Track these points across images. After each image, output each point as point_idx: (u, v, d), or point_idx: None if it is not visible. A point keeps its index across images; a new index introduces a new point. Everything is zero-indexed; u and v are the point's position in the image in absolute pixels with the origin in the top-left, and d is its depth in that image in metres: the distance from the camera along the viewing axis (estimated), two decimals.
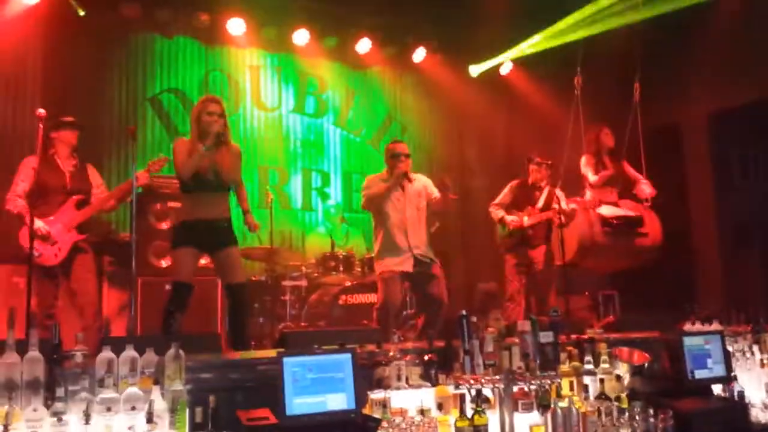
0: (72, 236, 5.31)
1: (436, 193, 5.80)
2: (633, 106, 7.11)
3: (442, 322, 5.44)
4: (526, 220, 6.40)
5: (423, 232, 5.74)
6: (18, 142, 6.59)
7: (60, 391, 2.80)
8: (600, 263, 7.08)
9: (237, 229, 5.10)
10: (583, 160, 6.89)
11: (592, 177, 6.78)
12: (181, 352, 3.03)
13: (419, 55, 9.01)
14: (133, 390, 2.90)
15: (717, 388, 3.83)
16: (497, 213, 6.51)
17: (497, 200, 6.57)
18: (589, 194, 6.80)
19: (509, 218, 6.42)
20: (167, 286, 6.25)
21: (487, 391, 3.30)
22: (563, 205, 6.26)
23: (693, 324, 4.53)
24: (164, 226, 6.59)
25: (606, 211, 6.68)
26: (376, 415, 3.04)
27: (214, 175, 4.85)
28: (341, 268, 7.06)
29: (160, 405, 2.84)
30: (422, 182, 5.86)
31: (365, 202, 5.84)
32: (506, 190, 6.60)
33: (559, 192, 6.42)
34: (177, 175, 4.95)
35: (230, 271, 4.95)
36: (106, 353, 3.03)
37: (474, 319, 3.58)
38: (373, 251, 5.94)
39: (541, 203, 6.45)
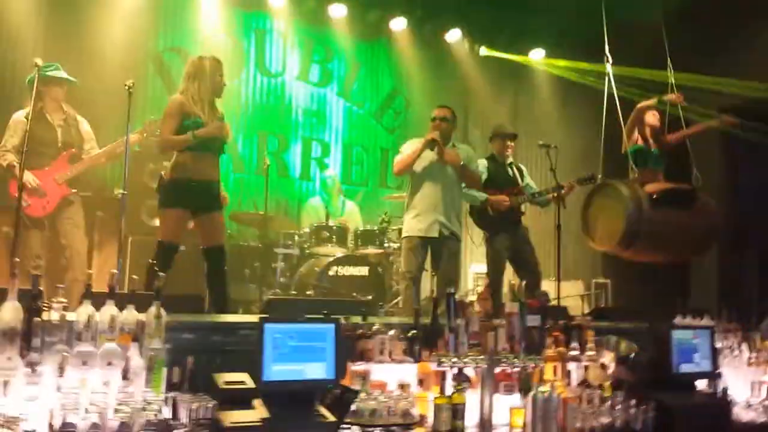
0: (62, 189, 5.31)
1: (475, 167, 5.72)
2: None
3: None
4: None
5: (453, 203, 5.66)
6: (18, 93, 6.49)
7: (36, 342, 2.76)
8: (648, 250, 5.98)
9: (230, 192, 5.10)
10: (630, 135, 6.19)
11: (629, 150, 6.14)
12: (162, 310, 2.99)
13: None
14: (111, 345, 2.86)
15: (702, 384, 3.80)
16: (479, 194, 6.08)
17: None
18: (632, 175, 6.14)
19: (497, 198, 6.08)
20: None
21: (469, 371, 3.27)
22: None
23: (684, 317, 4.49)
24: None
25: (652, 187, 5.87)
26: (356, 387, 3.01)
27: (213, 136, 4.82)
28: (334, 240, 7.02)
29: (137, 362, 2.80)
30: (462, 153, 5.74)
31: (394, 167, 5.81)
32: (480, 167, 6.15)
33: (523, 166, 6.33)
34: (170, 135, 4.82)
35: (214, 234, 4.93)
36: (86, 307, 3.00)
37: (465, 298, 3.55)
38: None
39: (520, 180, 6.28)
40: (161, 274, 4.25)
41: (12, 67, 6.66)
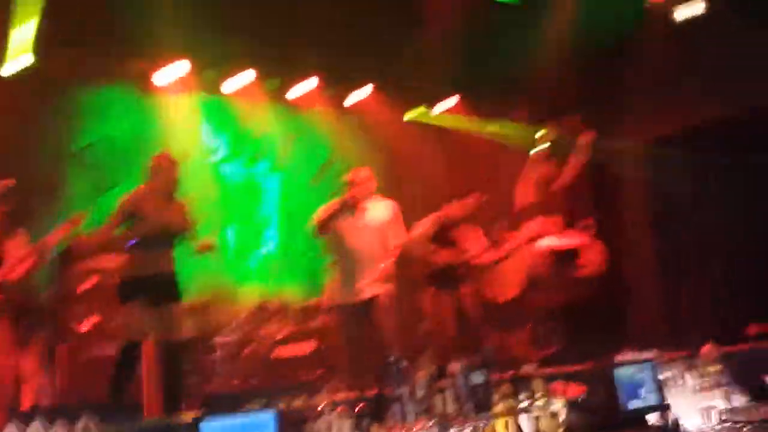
0: None
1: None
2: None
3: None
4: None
5: (376, 262, 5.52)
6: None
7: None
8: (544, 297, 6.85)
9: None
10: (520, 189, 6.74)
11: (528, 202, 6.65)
12: (91, 424, 2.85)
13: (358, 96, 8.93)
14: None
15: (653, 418, 3.80)
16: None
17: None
18: (528, 226, 6.61)
19: (439, 255, 6.09)
20: (90, 352, 6.04)
21: None
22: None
23: (626, 353, 4.52)
24: (84, 287, 6.32)
25: (547, 242, 6.53)
26: None
27: (167, 231, 4.85)
28: (276, 318, 6.87)
29: None
30: (384, 211, 5.67)
31: (313, 229, 5.69)
32: (427, 225, 6.24)
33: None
34: (136, 227, 4.80)
35: (172, 327, 4.83)
36: (11, 428, 2.84)
37: (404, 363, 3.49)
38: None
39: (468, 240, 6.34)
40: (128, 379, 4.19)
41: None
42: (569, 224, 6.79)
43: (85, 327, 6.15)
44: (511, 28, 7.11)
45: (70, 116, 7.32)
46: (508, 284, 6.20)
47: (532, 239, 6.56)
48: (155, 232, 4.78)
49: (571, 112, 7.05)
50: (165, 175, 4.92)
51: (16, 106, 6.84)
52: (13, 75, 6.62)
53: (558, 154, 6.77)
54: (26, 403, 4.88)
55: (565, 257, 6.58)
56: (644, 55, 7.46)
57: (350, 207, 5.53)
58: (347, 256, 5.54)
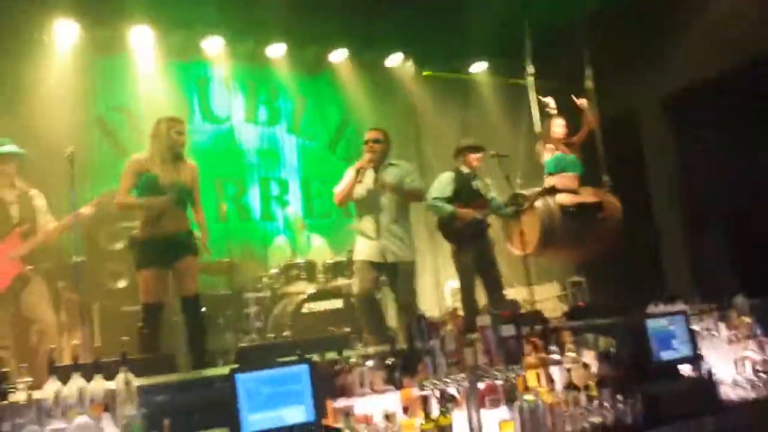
0: (15, 266, 5.22)
1: (413, 183, 5.66)
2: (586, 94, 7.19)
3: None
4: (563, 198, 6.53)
5: (397, 227, 5.56)
6: None
7: (7, 426, 2.67)
8: (563, 252, 7.06)
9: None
10: (538, 148, 6.95)
11: (546, 159, 6.84)
12: (130, 375, 2.91)
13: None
14: (83, 419, 2.77)
15: (686, 368, 3.80)
16: (446, 207, 6.09)
17: (436, 194, 6.18)
18: (547, 182, 6.75)
19: (464, 211, 6.06)
20: (124, 308, 6.17)
21: (453, 391, 3.23)
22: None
23: (656, 305, 4.50)
24: (118, 246, 6.43)
25: (564, 198, 6.66)
26: (339, 425, 2.94)
27: (173, 189, 4.94)
28: (304, 277, 6.95)
29: None
30: (399, 172, 5.66)
31: (335, 198, 5.75)
32: (444, 182, 6.22)
33: (489, 181, 6.38)
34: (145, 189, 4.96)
35: (186, 282, 4.96)
36: (52, 383, 2.91)
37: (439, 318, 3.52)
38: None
39: (485, 193, 6.31)
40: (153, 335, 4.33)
41: None
42: (585, 181, 6.91)
43: (119, 284, 6.30)
44: None
45: (86, 82, 7.40)
46: (527, 239, 6.18)
47: (549, 194, 6.67)
48: (162, 192, 4.90)
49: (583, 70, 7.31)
50: (166, 137, 5.01)
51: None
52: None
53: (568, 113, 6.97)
54: (65, 359, 5.03)
55: (584, 212, 6.65)
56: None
57: (359, 174, 5.54)
58: (367, 221, 5.59)
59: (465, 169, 6.28)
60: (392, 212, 5.59)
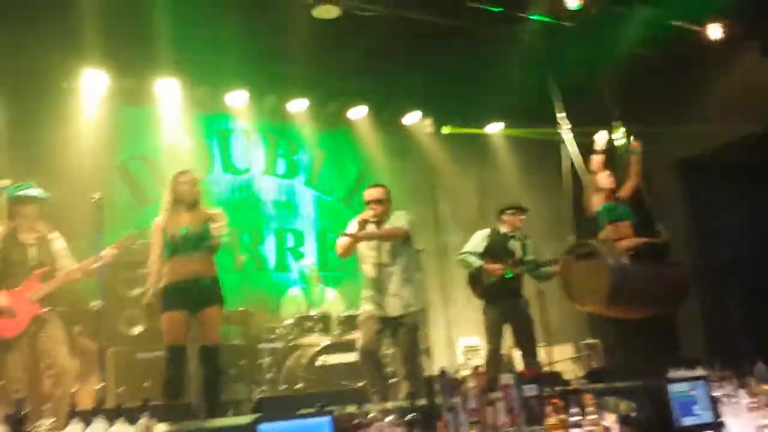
0: (33, 308, 5.23)
1: (400, 224, 5.61)
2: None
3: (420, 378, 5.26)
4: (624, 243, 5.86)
5: (401, 280, 5.51)
6: None
7: None
8: (637, 301, 5.97)
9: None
10: (585, 199, 6.48)
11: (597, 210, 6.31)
12: (153, 421, 2.91)
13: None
14: None
15: None
16: (475, 261, 6.18)
17: (468, 248, 6.27)
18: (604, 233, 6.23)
19: (492, 266, 6.12)
20: (138, 355, 6.18)
21: None
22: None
23: (676, 370, 4.46)
24: (135, 292, 6.47)
25: (627, 243, 6.02)
26: None
27: (188, 236, 5.13)
28: (318, 329, 6.95)
29: None
30: (393, 221, 5.66)
31: (337, 251, 5.76)
32: (478, 239, 6.34)
33: (529, 241, 6.37)
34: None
35: (208, 331, 5.07)
36: (75, 426, 2.91)
37: (457, 375, 3.50)
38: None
39: (520, 253, 6.33)
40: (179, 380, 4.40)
41: None
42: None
43: (135, 331, 6.31)
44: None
45: (110, 132, 7.55)
46: (595, 289, 5.70)
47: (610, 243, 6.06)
48: (171, 243, 5.10)
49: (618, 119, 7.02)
50: (180, 189, 5.25)
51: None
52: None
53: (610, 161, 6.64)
54: (86, 404, 5.03)
55: (654, 254, 5.96)
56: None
57: (363, 227, 5.56)
58: (369, 274, 5.61)
59: (503, 229, 6.33)
60: (399, 264, 5.55)
